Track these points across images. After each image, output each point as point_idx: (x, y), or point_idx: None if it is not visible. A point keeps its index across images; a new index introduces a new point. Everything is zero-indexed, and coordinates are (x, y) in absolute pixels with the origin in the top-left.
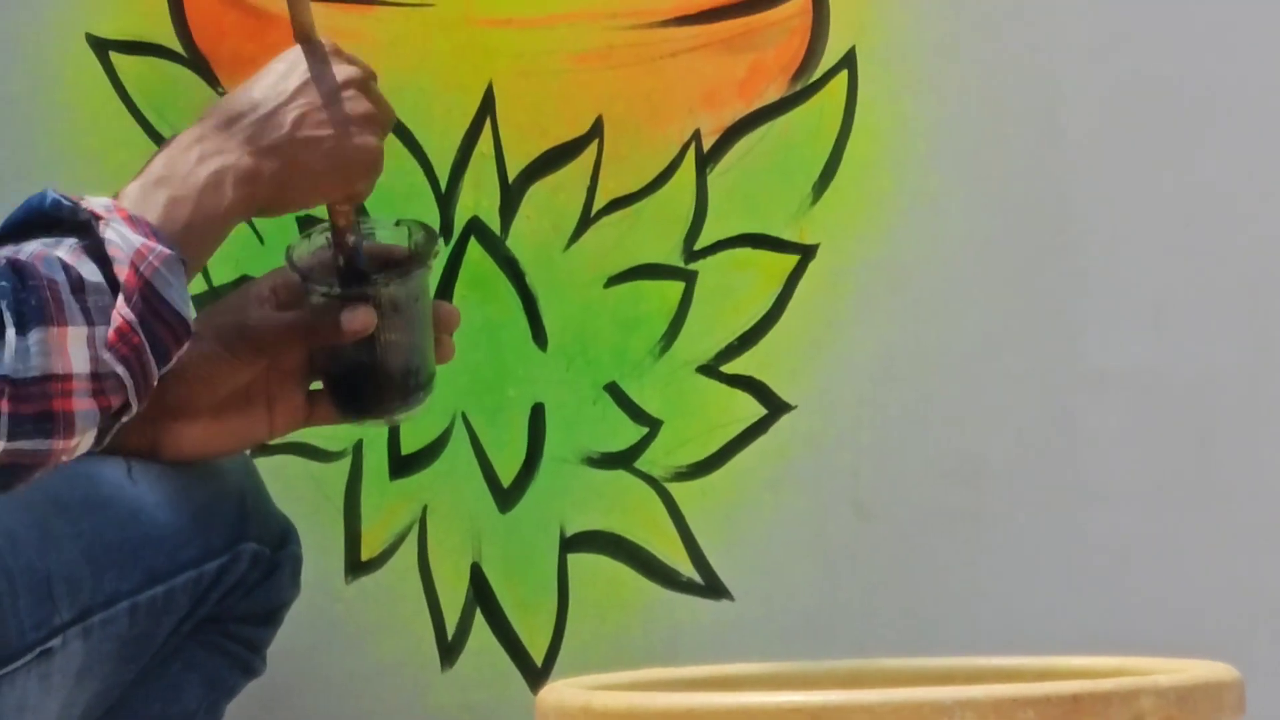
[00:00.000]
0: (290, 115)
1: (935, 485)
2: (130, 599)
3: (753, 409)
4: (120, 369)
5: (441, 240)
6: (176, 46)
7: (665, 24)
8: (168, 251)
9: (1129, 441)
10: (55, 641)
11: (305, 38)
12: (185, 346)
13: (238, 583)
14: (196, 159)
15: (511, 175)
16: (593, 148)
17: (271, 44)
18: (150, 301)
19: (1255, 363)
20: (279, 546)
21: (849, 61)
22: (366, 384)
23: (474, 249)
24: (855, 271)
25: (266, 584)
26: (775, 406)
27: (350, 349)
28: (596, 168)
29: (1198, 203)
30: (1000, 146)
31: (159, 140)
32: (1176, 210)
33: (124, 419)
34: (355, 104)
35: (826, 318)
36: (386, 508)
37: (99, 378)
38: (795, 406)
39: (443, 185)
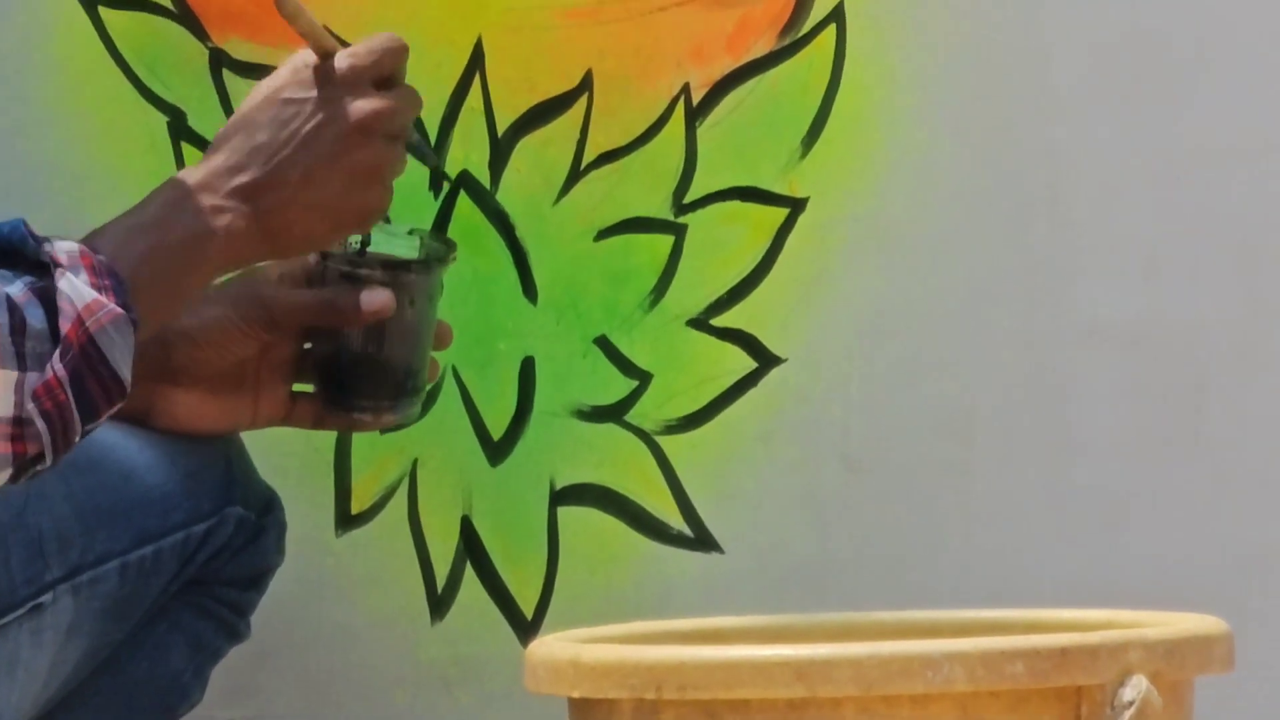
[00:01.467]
0: (294, 173)
1: (925, 438)
2: (120, 558)
3: (743, 362)
4: (40, 422)
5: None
6: (166, 1)
7: None
8: (119, 311)
9: (1119, 394)
10: (46, 597)
11: (324, 54)
12: (117, 407)
13: (224, 546)
14: (193, 211)
15: (501, 129)
16: (582, 102)
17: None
18: (90, 358)
19: (1246, 315)
20: (264, 513)
21: (837, 15)
22: (364, 375)
23: (464, 202)
24: (845, 224)
25: (251, 548)
26: (765, 359)
27: (358, 336)
28: (586, 121)
29: (1188, 155)
30: (989, 99)
31: (149, 96)
32: (1166, 162)
33: (38, 469)
34: (365, 154)
35: (816, 271)
36: (376, 461)
37: (20, 423)
38: (785, 359)
39: (432, 139)
